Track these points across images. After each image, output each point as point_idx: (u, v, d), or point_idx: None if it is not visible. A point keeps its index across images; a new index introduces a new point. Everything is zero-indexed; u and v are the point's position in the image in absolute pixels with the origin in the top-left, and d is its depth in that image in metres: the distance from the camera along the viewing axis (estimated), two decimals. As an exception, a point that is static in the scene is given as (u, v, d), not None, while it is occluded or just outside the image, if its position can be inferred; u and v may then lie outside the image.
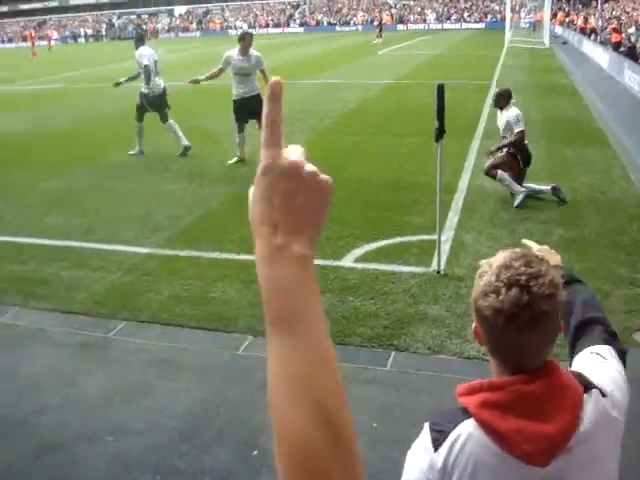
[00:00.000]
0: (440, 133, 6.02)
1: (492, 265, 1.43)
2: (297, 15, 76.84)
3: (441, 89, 5.85)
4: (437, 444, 1.44)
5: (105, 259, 6.89)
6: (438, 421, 1.49)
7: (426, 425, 1.50)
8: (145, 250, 7.10)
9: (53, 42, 63.51)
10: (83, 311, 5.77)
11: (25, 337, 5.44)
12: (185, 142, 11.39)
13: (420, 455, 1.48)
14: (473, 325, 1.50)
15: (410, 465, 1.50)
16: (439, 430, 1.46)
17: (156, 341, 5.27)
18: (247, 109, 10.19)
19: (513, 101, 8.66)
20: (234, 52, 10.31)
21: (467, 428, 1.42)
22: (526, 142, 8.53)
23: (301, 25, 73.87)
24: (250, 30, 11.41)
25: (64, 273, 6.58)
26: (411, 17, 70.35)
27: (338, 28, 69.72)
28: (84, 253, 7.07)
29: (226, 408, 4.38)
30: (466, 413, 1.43)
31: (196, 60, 34.61)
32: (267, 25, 74.00)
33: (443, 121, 5.99)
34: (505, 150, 8.40)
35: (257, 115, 9.82)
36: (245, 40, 10.23)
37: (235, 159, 10.65)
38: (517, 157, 8.39)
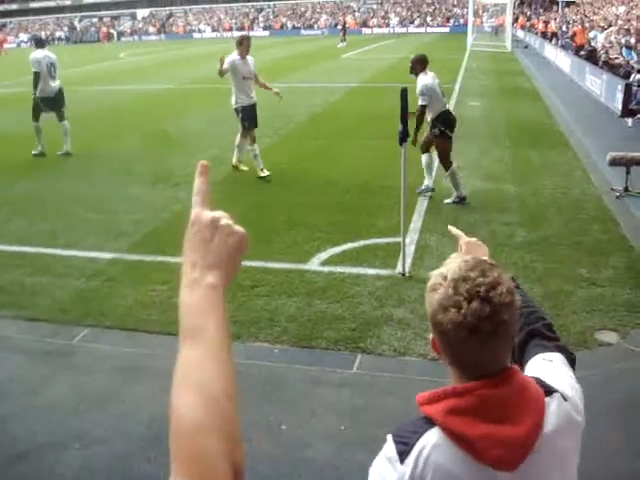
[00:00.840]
0: (404, 136, 6.07)
1: (446, 277, 1.40)
2: (261, 19, 76.73)
3: (404, 93, 5.90)
4: (403, 456, 1.40)
5: (68, 265, 6.80)
6: (401, 433, 1.45)
7: (389, 437, 1.46)
8: (109, 255, 7.03)
9: (7, 46, 62.60)
10: (46, 318, 5.70)
11: (-14, 345, 5.35)
12: (69, 148, 11.68)
13: (386, 468, 1.43)
14: (430, 337, 1.47)
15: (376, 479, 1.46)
16: (404, 442, 1.42)
17: (121, 347, 5.23)
18: (256, 116, 10.10)
19: (429, 71, 8.60)
20: (235, 57, 9.72)
21: (432, 438, 1.39)
22: (440, 111, 8.39)
23: (265, 29, 73.77)
24: (245, 33, 10.76)
25: (26, 279, 6.49)
26: (375, 21, 70.70)
27: (302, 32, 69.81)
28: (47, 259, 6.98)
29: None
30: (429, 422, 1.40)
31: (158, 63, 34.42)
32: (231, 29, 73.74)
33: (406, 124, 6.04)
34: (429, 132, 8.49)
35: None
36: (243, 44, 9.76)
37: (266, 172, 9.93)
38: (442, 134, 8.39)
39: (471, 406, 1.37)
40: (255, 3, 78.32)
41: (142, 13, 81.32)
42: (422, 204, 8.36)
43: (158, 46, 56.07)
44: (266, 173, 9.79)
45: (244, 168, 10.28)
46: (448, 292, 1.38)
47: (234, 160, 10.38)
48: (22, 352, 5.23)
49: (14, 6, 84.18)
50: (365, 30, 67.51)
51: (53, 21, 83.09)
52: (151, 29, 77.81)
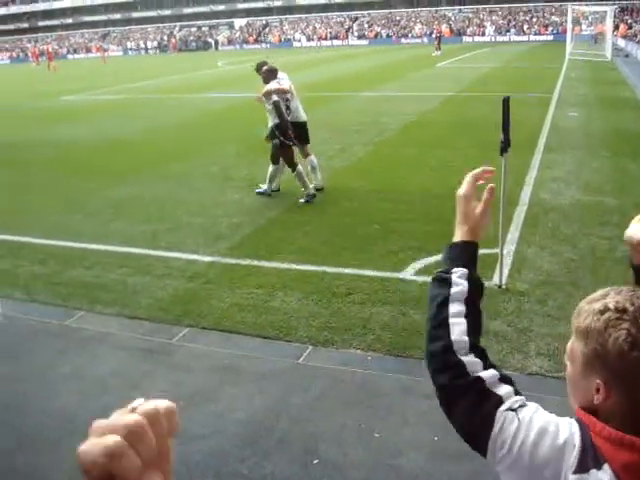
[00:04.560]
0: (505, 146, 5.98)
1: (626, 310, 1.25)
2: (356, 27, 77.08)
3: (506, 102, 5.82)
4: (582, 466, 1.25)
5: (169, 266, 7.04)
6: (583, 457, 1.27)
7: (573, 421, 1.32)
8: (207, 258, 7.22)
9: (108, 54, 65.31)
10: (147, 316, 5.90)
11: (91, 340, 5.59)
12: None
13: (560, 431, 1.29)
14: (596, 382, 1.28)
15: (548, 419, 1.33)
16: (584, 466, 1.25)
17: (218, 348, 5.36)
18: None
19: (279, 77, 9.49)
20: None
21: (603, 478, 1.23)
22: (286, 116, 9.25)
23: (360, 38, 74.07)
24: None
25: (129, 279, 6.75)
26: (470, 29, 69.88)
27: (396, 40, 69.72)
28: (148, 260, 7.23)
29: (287, 416, 4.42)
30: (601, 459, 1.24)
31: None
32: (326, 37, 74.45)
33: (508, 134, 5.95)
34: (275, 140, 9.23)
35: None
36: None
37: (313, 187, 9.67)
38: (283, 142, 9.18)
39: None
40: (350, 12, 78.73)
41: (239, 23, 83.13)
42: (519, 215, 8.20)
43: (255, 54, 57.15)
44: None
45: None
46: (632, 329, 1.23)
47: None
48: (124, 348, 5.44)
49: (117, 16, 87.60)
50: (460, 39, 66.82)
51: (153, 30, 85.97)
52: (248, 38, 79.40)
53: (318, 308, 5.86)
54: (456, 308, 1.48)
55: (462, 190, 1.68)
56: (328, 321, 5.62)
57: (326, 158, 11.83)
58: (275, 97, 9.13)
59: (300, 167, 9.32)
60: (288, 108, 9.42)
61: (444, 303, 1.49)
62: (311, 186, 9.31)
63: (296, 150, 9.59)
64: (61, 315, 6.07)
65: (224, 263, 7.10)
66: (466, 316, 1.47)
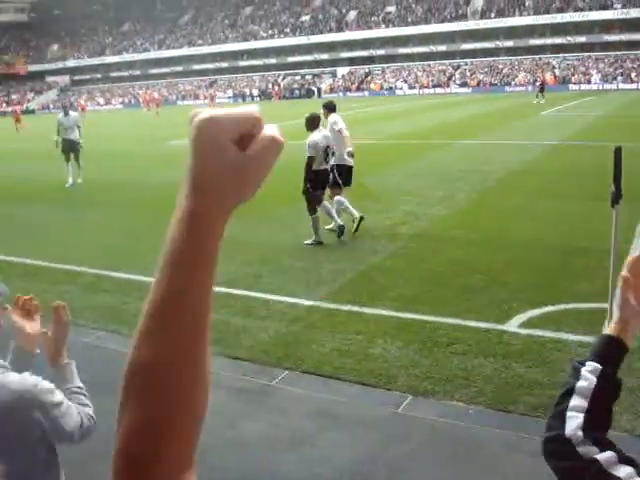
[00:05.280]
0: (616, 198, 5.79)
1: None
2: (458, 75, 77.11)
3: (618, 152, 5.65)
4: None
5: (270, 308, 7.14)
6: None
7: None
8: (308, 302, 7.29)
9: (214, 102, 67.99)
10: (248, 357, 5.98)
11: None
12: None
13: None
14: None
15: None
16: None
17: (317, 392, 5.36)
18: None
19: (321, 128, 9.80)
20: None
21: None
22: (324, 167, 9.70)
23: (461, 85, 73.97)
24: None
25: (232, 319, 6.87)
26: (575, 77, 68.58)
27: (499, 88, 69.20)
28: (251, 301, 7.36)
29: (385, 466, 4.35)
30: None
31: (357, 119, 35.53)
32: (428, 85, 74.73)
33: (620, 185, 5.77)
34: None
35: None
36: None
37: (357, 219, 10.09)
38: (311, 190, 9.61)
39: None
40: (452, 60, 78.90)
41: (342, 71, 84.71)
42: (630, 269, 7.88)
43: (356, 102, 57.98)
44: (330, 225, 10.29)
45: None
46: None
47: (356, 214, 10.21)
48: (223, 387, 5.51)
49: (225, 64, 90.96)
50: (566, 86, 65.67)
51: (259, 78, 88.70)
52: (350, 86, 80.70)
53: (419, 357, 5.79)
54: (577, 402, 1.42)
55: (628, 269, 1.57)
56: (429, 371, 5.53)
57: (428, 206, 11.80)
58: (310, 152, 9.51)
59: (318, 214, 9.70)
60: (332, 154, 9.85)
61: (568, 394, 1.45)
62: (339, 221, 9.80)
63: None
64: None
65: (325, 308, 7.14)
66: (587, 412, 1.40)
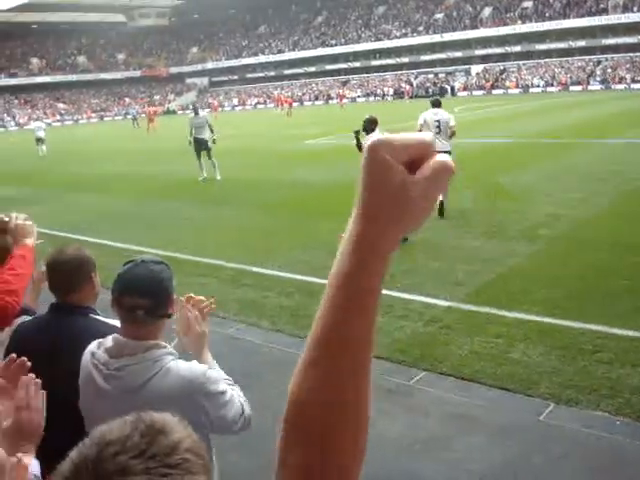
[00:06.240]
0: None
1: None
2: (598, 72, 73.63)
3: None
4: None
5: (407, 308, 7.13)
6: None
7: None
8: (445, 303, 7.23)
9: (345, 100, 68.58)
10: (386, 356, 6.00)
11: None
12: None
13: None
14: None
15: None
16: None
17: (455, 395, 5.32)
18: None
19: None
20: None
21: None
22: None
23: (602, 83, 70.59)
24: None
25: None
26: None
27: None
28: (387, 300, 7.37)
29: (525, 475, 4.26)
30: None
31: (491, 117, 34.78)
32: (566, 83, 71.84)
33: None
34: None
35: None
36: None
37: None
38: None
39: None
40: (592, 56, 75.44)
41: (476, 69, 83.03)
42: None
43: (492, 100, 56.76)
44: None
45: None
46: None
47: None
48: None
49: (357, 64, 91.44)
50: None
51: (391, 77, 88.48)
52: (484, 84, 78.96)
53: (562, 364, 5.60)
54: None
55: None
56: (572, 379, 5.35)
57: (569, 207, 11.38)
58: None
59: None
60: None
61: None
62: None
63: None
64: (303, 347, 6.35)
65: (462, 309, 7.05)
66: None
